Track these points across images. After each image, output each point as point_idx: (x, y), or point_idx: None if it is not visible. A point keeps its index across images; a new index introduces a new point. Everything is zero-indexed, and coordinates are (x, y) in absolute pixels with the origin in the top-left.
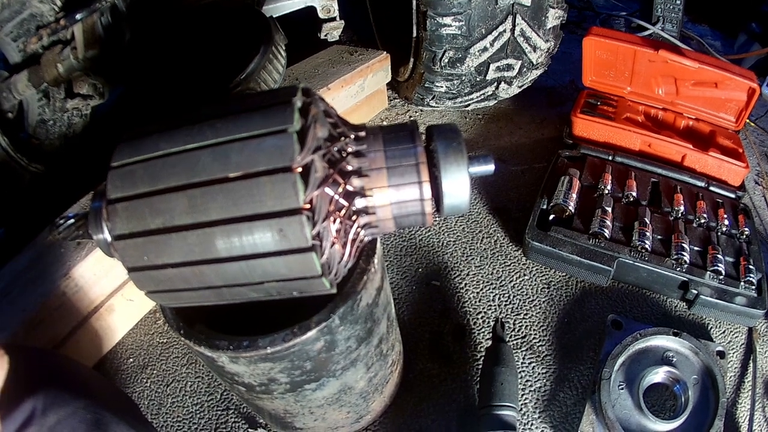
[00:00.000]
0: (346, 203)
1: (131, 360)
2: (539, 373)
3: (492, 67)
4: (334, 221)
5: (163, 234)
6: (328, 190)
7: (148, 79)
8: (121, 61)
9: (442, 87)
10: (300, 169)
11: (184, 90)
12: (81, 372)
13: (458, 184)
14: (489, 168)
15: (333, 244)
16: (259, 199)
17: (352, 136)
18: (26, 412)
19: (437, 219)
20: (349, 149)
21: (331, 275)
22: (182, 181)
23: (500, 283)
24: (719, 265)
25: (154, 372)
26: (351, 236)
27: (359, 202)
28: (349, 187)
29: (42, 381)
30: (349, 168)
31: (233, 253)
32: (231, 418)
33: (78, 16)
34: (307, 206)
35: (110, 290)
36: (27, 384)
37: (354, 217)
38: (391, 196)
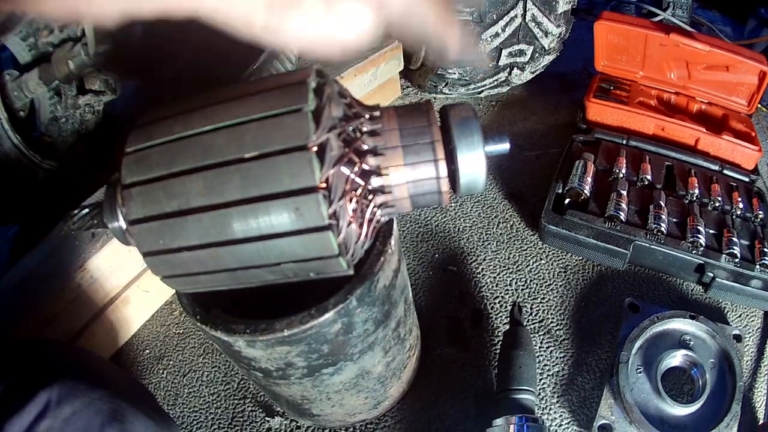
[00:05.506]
0: (362, 182)
1: (147, 351)
2: (557, 358)
3: (504, 52)
4: (351, 200)
5: (179, 217)
6: (344, 169)
7: (159, 73)
8: (132, 56)
9: (454, 74)
10: (315, 148)
11: (197, 83)
12: (97, 363)
13: (474, 161)
14: (504, 147)
15: (349, 223)
16: (275, 178)
17: (367, 116)
18: (41, 403)
19: (454, 200)
20: (364, 128)
21: (348, 255)
22: (198, 163)
23: (517, 267)
24: (734, 248)
25: (171, 363)
26: (367, 216)
27: (375, 181)
28: (365, 166)
29: (57, 372)
30: (365, 147)
31: (249, 233)
32: (248, 406)
33: None
34: (323, 185)
35: (126, 282)
36: (41, 375)
37: (370, 197)
38: (407, 175)
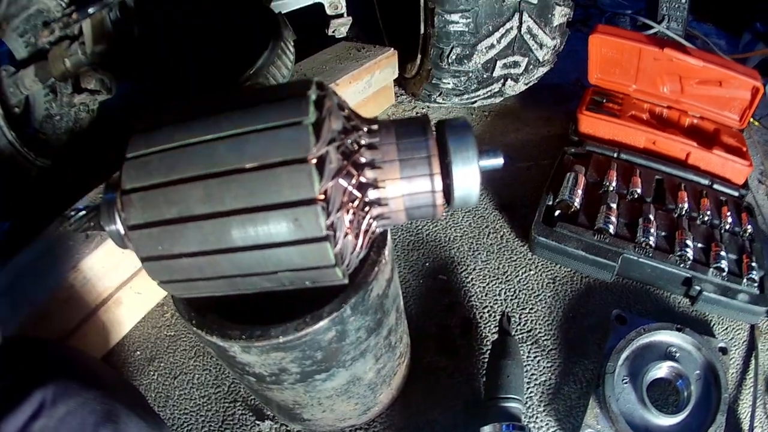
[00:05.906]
0: (359, 194)
1: (138, 353)
2: (544, 367)
3: (499, 64)
4: (348, 212)
5: (179, 224)
6: (342, 182)
7: (157, 74)
8: (129, 56)
9: (449, 83)
10: (315, 161)
11: (193, 85)
12: (90, 363)
13: (469, 176)
14: (498, 162)
15: (346, 234)
16: (274, 189)
17: (365, 129)
18: (35, 403)
19: (447, 212)
20: (363, 142)
21: (344, 265)
22: (198, 172)
23: (506, 277)
24: (722, 262)
25: (162, 365)
26: (363, 227)
27: (372, 194)
28: (363, 179)
29: (51, 372)
30: (363, 160)
31: (248, 242)
32: (238, 410)
33: (90, 11)
34: (322, 197)
35: (118, 283)
36: (36, 375)
37: (367, 209)
38: (403, 188)
